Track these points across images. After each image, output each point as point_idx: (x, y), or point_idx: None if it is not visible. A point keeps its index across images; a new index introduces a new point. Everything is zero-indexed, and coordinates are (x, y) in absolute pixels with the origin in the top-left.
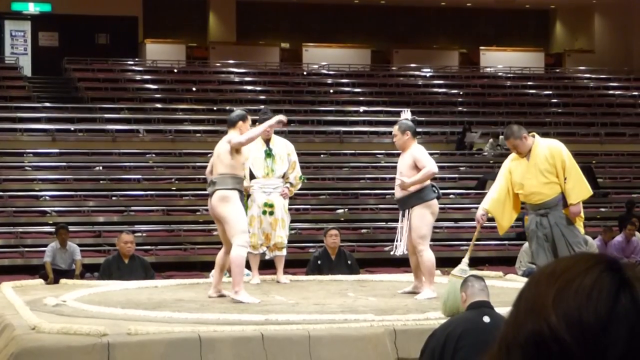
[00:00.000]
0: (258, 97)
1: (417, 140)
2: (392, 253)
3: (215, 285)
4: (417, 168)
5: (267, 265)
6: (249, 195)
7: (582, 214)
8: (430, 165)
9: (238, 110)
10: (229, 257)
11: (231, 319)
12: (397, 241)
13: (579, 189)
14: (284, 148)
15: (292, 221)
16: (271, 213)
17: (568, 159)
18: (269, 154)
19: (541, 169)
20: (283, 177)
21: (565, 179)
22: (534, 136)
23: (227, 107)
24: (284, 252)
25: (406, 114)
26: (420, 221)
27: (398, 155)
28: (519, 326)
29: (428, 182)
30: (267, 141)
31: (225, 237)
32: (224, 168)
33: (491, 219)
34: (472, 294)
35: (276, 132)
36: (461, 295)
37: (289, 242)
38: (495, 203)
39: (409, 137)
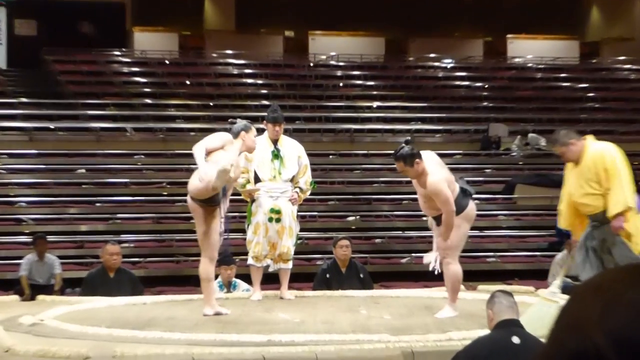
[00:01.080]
0: (259, 91)
1: (439, 140)
2: (431, 268)
3: (209, 302)
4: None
5: (269, 279)
6: (253, 200)
7: (631, 230)
8: (448, 207)
9: (242, 121)
10: (213, 267)
11: (229, 339)
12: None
13: (616, 201)
14: (293, 149)
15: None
16: (278, 220)
17: (611, 166)
18: (276, 155)
19: (586, 177)
20: (292, 181)
21: (608, 188)
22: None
23: (225, 103)
24: (290, 264)
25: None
26: (455, 230)
27: None
28: (560, 346)
29: (457, 187)
30: (274, 141)
31: (205, 240)
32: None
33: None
34: (500, 312)
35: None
36: (487, 313)
37: (294, 253)
38: (568, 218)
39: (419, 164)
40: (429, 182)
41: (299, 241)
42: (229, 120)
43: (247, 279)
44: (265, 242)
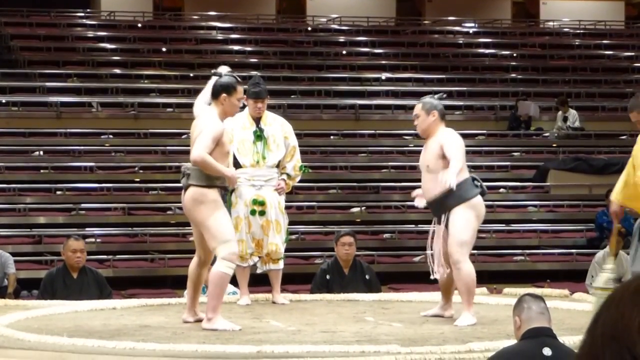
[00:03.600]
0: (248, 60)
1: (459, 117)
2: (432, 277)
3: (191, 307)
4: (443, 159)
5: (258, 281)
6: (232, 190)
7: None
8: (456, 157)
9: (227, 76)
10: (204, 270)
11: (212, 351)
12: (434, 263)
13: None
14: (279, 129)
15: (292, 223)
16: (262, 213)
17: None
18: (259, 136)
19: None
20: (278, 166)
21: None
22: None
23: (207, 74)
24: (281, 264)
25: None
26: (462, 224)
27: None
28: (595, 357)
29: (467, 174)
30: (257, 120)
31: (201, 241)
32: None
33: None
34: (529, 319)
35: (270, 107)
36: (514, 320)
37: (288, 250)
38: (625, 192)
39: (435, 118)
40: (440, 135)
41: (293, 236)
42: (212, 71)
43: (232, 280)
44: (249, 238)
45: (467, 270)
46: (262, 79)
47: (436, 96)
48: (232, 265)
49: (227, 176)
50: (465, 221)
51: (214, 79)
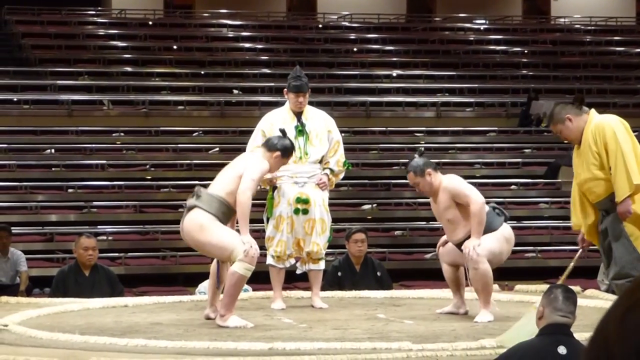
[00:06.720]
0: (259, 57)
1: (470, 114)
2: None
3: (212, 302)
4: (458, 205)
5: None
6: (275, 188)
7: None
8: (475, 196)
9: (288, 139)
10: (224, 267)
11: (224, 348)
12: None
13: (622, 183)
14: (322, 123)
15: None
16: (305, 212)
17: (612, 141)
18: (300, 131)
19: (587, 161)
20: (321, 161)
21: (610, 168)
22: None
23: (218, 71)
24: (322, 265)
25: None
26: (492, 239)
27: (444, 133)
28: (587, 352)
29: (485, 207)
30: (298, 114)
31: None
32: (221, 189)
33: None
34: (551, 313)
35: (281, 105)
36: (538, 309)
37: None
38: (577, 212)
39: (432, 174)
40: (443, 185)
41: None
42: (280, 128)
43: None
44: (291, 238)
45: (484, 269)
46: (303, 72)
47: (416, 154)
48: (251, 268)
49: (242, 238)
50: (494, 238)
51: (275, 131)
